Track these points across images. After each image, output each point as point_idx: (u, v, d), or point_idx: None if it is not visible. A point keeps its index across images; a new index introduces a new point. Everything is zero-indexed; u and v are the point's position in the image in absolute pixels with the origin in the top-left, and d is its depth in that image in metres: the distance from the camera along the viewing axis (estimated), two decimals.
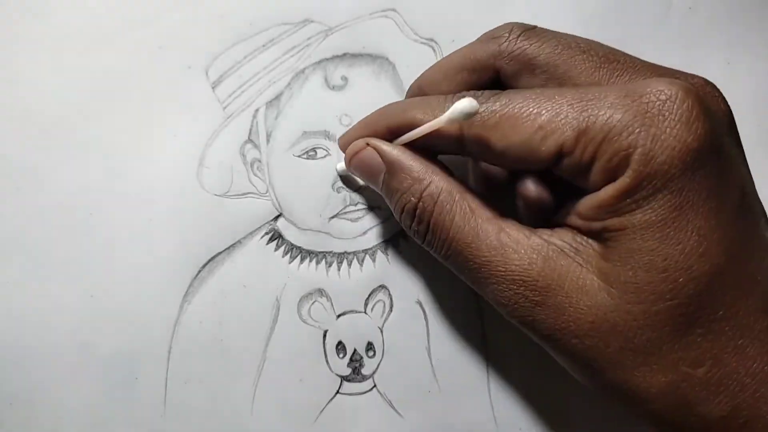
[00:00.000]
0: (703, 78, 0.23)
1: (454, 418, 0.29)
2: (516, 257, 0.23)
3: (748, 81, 0.32)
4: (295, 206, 0.30)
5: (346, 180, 0.30)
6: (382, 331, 0.30)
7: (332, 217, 0.30)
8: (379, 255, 0.30)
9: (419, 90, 0.28)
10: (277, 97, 0.30)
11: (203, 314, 0.29)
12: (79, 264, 0.29)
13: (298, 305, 0.30)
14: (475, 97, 0.23)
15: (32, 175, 0.29)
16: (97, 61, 0.29)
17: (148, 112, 0.30)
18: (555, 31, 0.25)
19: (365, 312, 0.30)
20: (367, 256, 0.30)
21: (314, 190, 0.30)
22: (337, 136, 0.30)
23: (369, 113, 0.27)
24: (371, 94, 0.30)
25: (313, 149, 0.30)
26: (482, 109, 0.22)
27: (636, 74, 0.23)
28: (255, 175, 0.30)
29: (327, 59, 0.31)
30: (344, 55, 0.31)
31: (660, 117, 0.20)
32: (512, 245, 0.23)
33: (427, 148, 0.25)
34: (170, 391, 0.28)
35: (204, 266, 0.29)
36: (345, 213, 0.30)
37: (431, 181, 0.24)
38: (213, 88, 0.30)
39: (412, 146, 0.25)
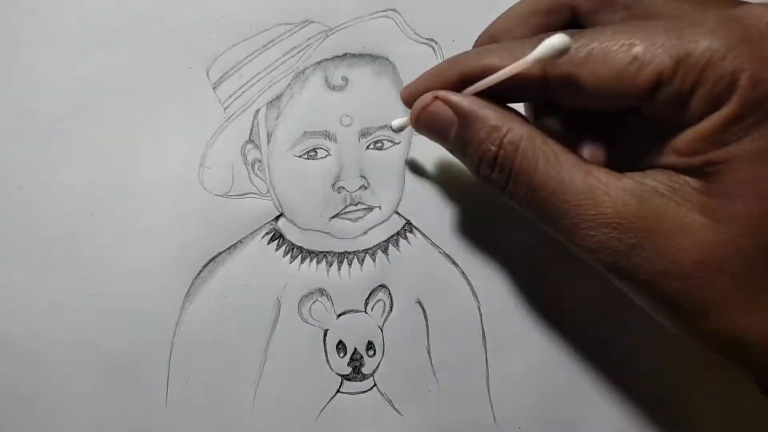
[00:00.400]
0: None
1: (453, 416, 0.30)
2: (608, 199, 0.21)
3: None
4: (296, 206, 0.30)
5: (364, 133, 0.30)
6: (382, 331, 0.30)
7: (333, 217, 0.30)
8: (380, 255, 0.30)
9: (490, 39, 0.26)
10: (278, 98, 0.30)
11: (204, 313, 0.29)
12: (81, 264, 0.29)
13: (299, 305, 0.30)
14: (558, 34, 0.21)
15: (33, 175, 0.29)
16: (98, 62, 0.30)
17: (149, 112, 0.30)
18: None
19: (365, 311, 0.30)
20: (368, 256, 0.30)
21: (315, 190, 0.30)
22: (338, 137, 0.30)
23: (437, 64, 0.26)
24: (372, 95, 0.31)
25: (314, 149, 0.30)
26: (569, 43, 0.20)
27: (724, 5, 0.22)
28: (256, 175, 0.30)
29: (327, 59, 0.31)
30: (345, 55, 0.31)
31: (765, 39, 0.19)
32: (602, 188, 0.21)
33: (501, 97, 0.24)
34: (171, 389, 0.29)
35: (205, 266, 0.29)
36: (345, 213, 0.30)
37: (510, 128, 0.23)
38: (214, 88, 0.30)
39: (483, 96, 0.24)
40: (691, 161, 0.21)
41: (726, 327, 0.20)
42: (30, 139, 0.29)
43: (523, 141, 0.22)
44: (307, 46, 0.31)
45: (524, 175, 0.23)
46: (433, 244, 0.30)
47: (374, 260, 0.30)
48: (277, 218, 0.30)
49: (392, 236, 0.30)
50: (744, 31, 0.19)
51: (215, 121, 0.30)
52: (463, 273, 0.30)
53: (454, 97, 0.24)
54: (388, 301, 0.30)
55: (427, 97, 0.24)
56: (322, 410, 0.29)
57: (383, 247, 0.30)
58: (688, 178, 0.21)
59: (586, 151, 0.24)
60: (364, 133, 0.30)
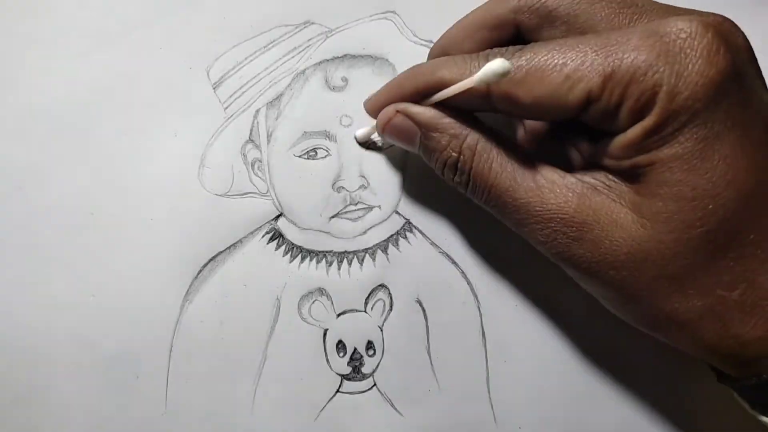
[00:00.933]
0: (720, 15, 0.23)
1: (453, 416, 0.29)
2: (552, 196, 0.24)
3: None
4: (296, 206, 0.30)
5: (365, 145, 0.30)
6: (382, 330, 0.30)
7: (332, 217, 0.30)
8: (379, 254, 0.30)
9: (441, 51, 0.28)
10: (278, 98, 0.30)
11: (204, 313, 0.29)
12: (81, 263, 0.29)
13: (299, 304, 0.30)
14: (501, 55, 0.23)
15: (34, 175, 0.29)
16: (99, 62, 0.30)
17: (149, 112, 0.30)
18: None
19: (365, 311, 0.30)
20: (368, 256, 0.30)
21: (315, 189, 0.30)
22: (338, 137, 0.30)
23: (394, 76, 0.28)
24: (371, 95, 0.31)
25: (314, 149, 0.30)
26: (510, 64, 0.23)
27: (654, 16, 0.24)
28: (256, 175, 0.30)
29: (327, 60, 0.31)
30: (344, 56, 0.31)
31: (682, 54, 0.21)
32: (548, 186, 0.24)
33: (457, 107, 0.26)
34: (171, 389, 0.29)
35: (205, 266, 0.29)
36: (345, 212, 0.30)
37: (467, 134, 0.25)
38: (214, 88, 0.30)
39: (442, 106, 0.26)
40: (620, 164, 0.23)
41: (659, 312, 0.23)
42: (30, 139, 0.29)
43: (479, 145, 0.25)
44: (308, 46, 0.31)
45: (480, 176, 0.25)
46: (432, 243, 0.30)
47: (374, 260, 0.30)
48: (276, 218, 0.30)
49: (392, 236, 0.30)
50: (663, 46, 0.21)
51: (215, 121, 0.30)
52: (462, 272, 0.30)
53: (415, 110, 0.26)
54: (387, 301, 0.30)
55: (390, 110, 0.27)
56: (321, 410, 0.29)
57: (383, 246, 0.30)
58: (621, 179, 0.23)
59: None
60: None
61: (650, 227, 0.22)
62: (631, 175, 0.23)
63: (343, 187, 0.30)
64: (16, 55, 0.29)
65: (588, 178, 0.24)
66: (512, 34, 0.26)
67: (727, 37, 0.22)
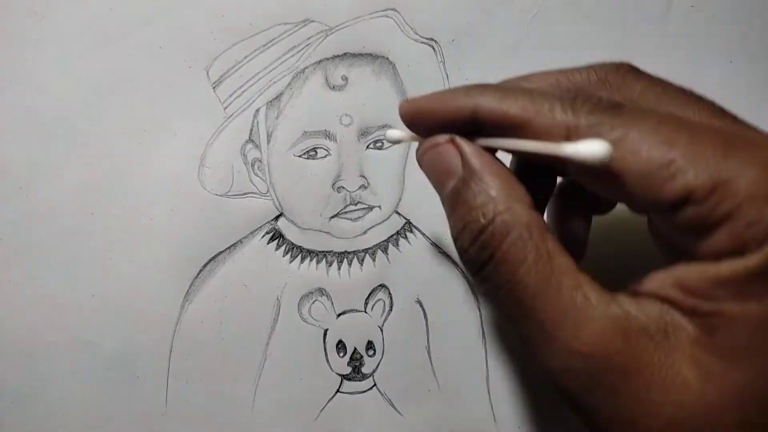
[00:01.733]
0: None
1: (453, 416, 0.30)
2: (590, 325, 0.18)
3: (749, 80, 0.32)
4: (296, 206, 0.30)
5: (364, 132, 0.29)
6: (382, 330, 0.30)
7: (333, 217, 0.30)
8: (379, 254, 0.30)
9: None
10: (278, 97, 0.30)
11: (204, 313, 0.29)
12: (81, 263, 0.29)
13: (299, 304, 0.30)
14: (596, 105, 0.19)
15: (34, 175, 0.29)
16: (98, 62, 0.29)
17: (149, 112, 0.30)
18: (662, 79, 0.22)
19: (365, 311, 0.30)
20: (368, 256, 0.30)
21: (315, 189, 0.30)
22: (338, 136, 0.30)
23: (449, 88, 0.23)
24: (371, 94, 0.30)
25: (314, 149, 0.30)
26: (603, 121, 0.18)
27: (759, 131, 0.19)
28: (256, 174, 0.30)
29: (327, 59, 0.31)
30: (344, 54, 0.31)
31: None
32: (589, 310, 0.18)
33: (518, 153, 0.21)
34: (171, 389, 0.29)
35: (205, 266, 0.29)
36: (345, 212, 0.30)
37: (510, 206, 0.19)
38: (214, 88, 0.30)
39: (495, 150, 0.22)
40: (697, 305, 0.17)
41: None
42: (30, 139, 0.29)
43: (518, 227, 0.19)
44: (307, 45, 0.31)
45: (507, 264, 0.19)
46: (433, 243, 0.30)
47: (374, 260, 0.30)
48: (276, 218, 0.30)
49: (392, 236, 0.30)
50: None
51: (215, 120, 0.30)
52: (463, 272, 0.30)
53: (468, 149, 0.21)
54: (387, 301, 0.30)
55: (443, 137, 0.21)
56: (321, 410, 0.29)
57: (383, 246, 0.30)
58: (686, 323, 0.18)
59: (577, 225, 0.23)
60: (363, 133, 0.30)
61: (713, 396, 0.17)
62: (703, 323, 0.17)
63: (343, 187, 0.30)
64: (16, 55, 0.29)
65: (640, 312, 0.18)
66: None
67: None
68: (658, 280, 0.18)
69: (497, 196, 0.20)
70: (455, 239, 0.21)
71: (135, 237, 0.29)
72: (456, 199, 0.21)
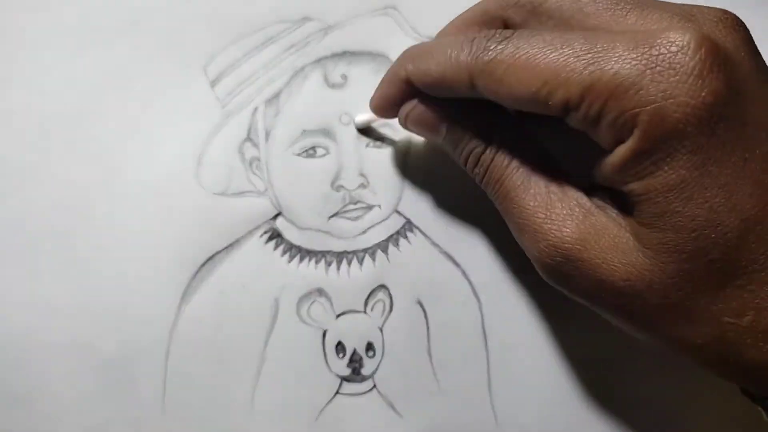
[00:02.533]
0: (720, 10, 0.22)
1: (454, 418, 0.29)
2: (558, 206, 0.23)
3: None
4: (295, 205, 0.30)
5: (364, 131, 0.30)
6: (381, 331, 0.30)
7: (332, 216, 0.30)
8: (379, 254, 0.30)
9: None
10: (277, 96, 0.30)
11: (202, 314, 0.29)
12: (78, 264, 0.29)
13: (298, 305, 0.29)
14: (487, 37, 0.22)
15: (31, 174, 0.29)
16: (95, 60, 0.29)
17: (146, 110, 0.29)
18: None
19: (365, 312, 0.30)
20: (367, 256, 0.30)
21: (314, 188, 0.30)
22: (337, 135, 0.30)
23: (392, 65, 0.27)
24: (371, 93, 0.30)
25: (313, 148, 0.30)
26: (491, 56, 0.22)
27: (650, 15, 0.22)
28: (254, 173, 0.30)
29: (326, 57, 0.30)
30: (344, 53, 0.31)
31: (671, 71, 0.19)
32: (557, 195, 0.23)
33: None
34: (169, 391, 0.28)
35: (203, 265, 0.29)
36: (345, 212, 0.30)
37: (495, 130, 0.25)
38: (212, 86, 0.30)
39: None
40: (617, 188, 0.22)
41: (665, 337, 0.22)
42: (26, 138, 0.29)
43: (502, 142, 0.25)
44: (306, 43, 0.30)
45: (496, 170, 0.25)
46: (433, 243, 0.30)
47: (374, 260, 0.30)
48: (275, 217, 0.30)
49: (392, 235, 0.30)
50: (651, 60, 0.19)
51: (213, 119, 0.30)
52: (464, 273, 0.30)
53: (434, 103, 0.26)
54: (387, 302, 0.30)
55: (412, 102, 0.26)
56: (321, 412, 0.29)
57: (383, 246, 0.30)
58: (622, 202, 0.22)
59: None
60: (363, 132, 0.30)
61: (651, 256, 0.21)
62: (629, 201, 0.22)
63: (342, 186, 0.30)
64: (14, 55, 0.29)
65: (596, 197, 0.23)
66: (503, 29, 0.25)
67: (725, 43, 0.20)
68: (599, 176, 0.23)
69: (482, 125, 0.25)
70: (464, 166, 0.26)
71: (132, 236, 0.29)
72: (453, 140, 0.26)
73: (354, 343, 0.29)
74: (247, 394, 0.29)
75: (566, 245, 0.22)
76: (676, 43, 0.19)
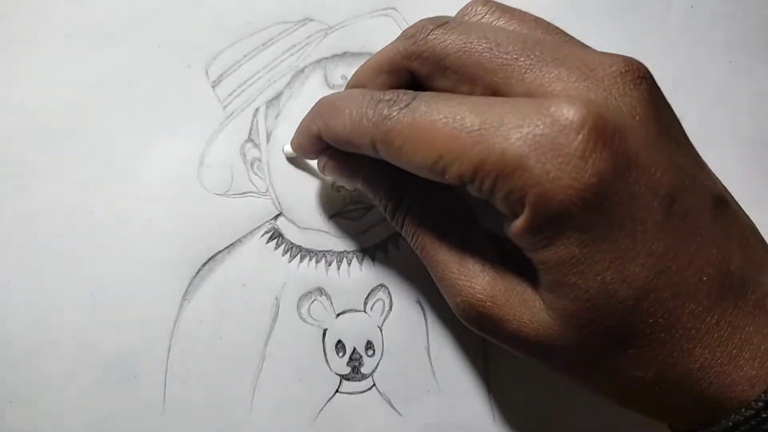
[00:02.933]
0: (623, 61, 0.21)
1: (453, 417, 0.29)
2: (471, 262, 0.24)
3: (749, 80, 0.32)
4: (295, 205, 0.30)
5: (293, 161, 0.30)
6: (381, 330, 0.30)
7: (332, 216, 0.30)
8: (379, 254, 0.30)
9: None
10: (278, 97, 0.30)
11: (203, 313, 0.29)
12: (79, 263, 0.29)
13: (298, 304, 0.30)
14: (388, 104, 0.22)
15: (32, 174, 0.29)
16: (97, 61, 0.29)
17: (147, 111, 0.30)
18: (469, 24, 0.23)
19: (365, 311, 0.30)
20: (367, 255, 0.30)
21: (314, 189, 0.30)
22: None
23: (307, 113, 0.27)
24: None
25: None
26: (390, 125, 0.22)
27: (547, 71, 0.21)
28: (255, 174, 0.30)
29: (327, 58, 0.31)
30: (344, 53, 0.31)
31: (555, 152, 0.19)
32: (470, 251, 0.24)
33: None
34: (169, 389, 0.28)
35: (204, 265, 0.29)
36: (345, 212, 0.30)
37: (407, 185, 0.25)
38: (213, 87, 0.30)
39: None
40: (522, 252, 0.22)
41: (583, 384, 0.23)
42: (28, 138, 0.29)
43: (414, 197, 0.25)
44: (307, 44, 0.31)
45: (411, 224, 0.25)
46: None
47: (374, 259, 0.30)
48: (276, 217, 0.30)
49: (392, 235, 0.30)
50: (536, 138, 0.19)
51: (214, 119, 0.30)
52: None
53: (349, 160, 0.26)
54: (387, 301, 0.30)
55: (323, 160, 0.27)
56: (320, 410, 0.29)
57: (383, 246, 0.30)
58: (529, 263, 0.22)
59: None
60: None
61: (554, 317, 0.21)
62: (532, 264, 0.22)
63: (342, 186, 0.30)
64: (15, 55, 0.29)
65: (511, 247, 0.23)
66: (410, 80, 0.25)
67: (614, 123, 0.19)
68: (506, 232, 0.22)
69: (395, 181, 0.26)
70: (384, 212, 0.27)
71: (133, 236, 0.29)
72: (370, 191, 0.27)
73: (354, 342, 0.30)
74: (248, 392, 0.29)
75: (478, 301, 0.23)
76: (561, 121, 0.19)
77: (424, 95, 0.22)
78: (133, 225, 0.29)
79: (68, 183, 0.29)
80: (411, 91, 0.23)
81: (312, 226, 0.30)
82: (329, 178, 0.30)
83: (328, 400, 0.29)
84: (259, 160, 0.30)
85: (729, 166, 0.31)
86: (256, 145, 0.30)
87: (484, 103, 0.21)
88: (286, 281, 0.30)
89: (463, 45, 0.22)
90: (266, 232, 0.30)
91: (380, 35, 0.31)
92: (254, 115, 0.30)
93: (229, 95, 0.30)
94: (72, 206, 0.29)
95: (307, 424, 0.29)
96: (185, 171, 0.29)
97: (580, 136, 0.19)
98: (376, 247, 0.30)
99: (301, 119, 0.28)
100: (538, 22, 0.24)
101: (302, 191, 0.30)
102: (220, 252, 0.29)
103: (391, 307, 0.30)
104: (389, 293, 0.30)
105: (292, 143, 0.29)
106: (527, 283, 0.23)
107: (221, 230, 0.29)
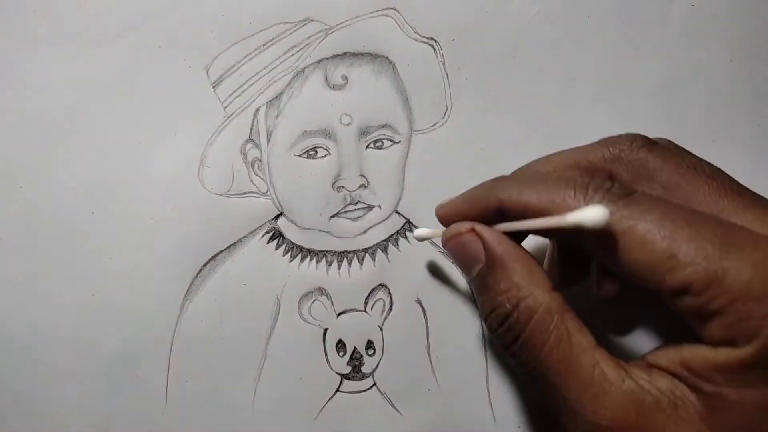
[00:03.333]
0: None
1: (453, 416, 0.30)
2: (608, 401, 0.20)
3: (749, 80, 0.32)
4: (296, 205, 0.30)
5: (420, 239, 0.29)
6: (381, 330, 0.30)
7: (332, 216, 0.30)
8: (379, 254, 0.30)
9: (525, 177, 0.25)
10: (278, 97, 0.30)
11: (204, 312, 0.29)
12: (82, 263, 0.29)
13: (299, 304, 0.30)
14: (605, 196, 0.20)
15: (34, 174, 0.29)
16: (98, 61, 0.29)
17: (149, 112, 0.30)
18: (679, 148, 0.23)
19: (365, 310, 0.30)
20: (367, 255, 0.30)
21: (314, 189, 0.30)
22: (338, 136, 0.30)
23: (476, 185, 0.25)
24: (371, 94, 0.30)
25: (314, 149, 0.30)
26: (612, 211, 0.20)
27: (761, 215, 0.21)
28: (256, 174, 0.30)
29: (327, 58, 0.31)
30: (344, 54, 0.31)
31: None
32: (606, 386, 0.20)
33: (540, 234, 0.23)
34: (171, 388, 0.29)
35: (205, 265, 0.29)
36: (345, 212, 0.30)
37: (531, 292, 0.22)
38: (213, 87, 0.30)
39: (520, 238, 0.24)
40: (700, 385, 0.20)
41: None
42: (29, 139, 0.29)
43: (540, 311, 0.22)
44: (307, 44, 0.31)
45: (532, 346, 0.22)
46: (432, 243, 0.30)
47: (374, 259, 0.30)
48: (276, 217, 0.30)
49: (392, 235, 0.30)
50: None
51: (215, 120, 0.30)
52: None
53: (489, 236, 0.23)
54: (387, 301, 0.30)
55: (463, 226, 0.24)
56: (321, 409, 0.29)
57: (383, 246, 0.30)
58: (693, 398, 0.20)
59: (607, 285, 0.24)
60: (363, 132, 0.30)
61: None
62: (706, 399, 0.19)
63: (343, 187, 0.30)
64: (16, 55, 0.29)
65: (652, 386, 0.20)
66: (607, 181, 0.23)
67: None
68: (669, 356, 0.20)
69: (519, 282, 0.22)
70: (484, 320, 0.24)
71: (135, 236, 0.29)
72: (482, 284, 0.23)
73: (354, 342, 0.30)
74: (249, 391, 0.29)
75: None
76: None
77: (645, 193, 0.21)
78: (135, 225, 0.29)
79: (70, 183, 0.29)
80: (627, 186, 0.21)
81: (312, 226, 0.30)
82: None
83: (329, 399, 0.29)
84: (260, 161, 0.30)
85: (729, 166, 0.31)
86: (257, 146, 0.30)
87: (729, 224, 0.20)
88: (287, 281, 0.30)
89: (678, 167, 0.22)
90: (267, 233, 0.30)
91: (380, 35, 0.31)
92: (255, 116, 0.30)
93: (230, 95, 0.30)
94: (74, 206, 0.29)
95: (308, 423, 0.29)
96: (186, 171, 0.30)
97: None
98: (377, 247, 0.30)
99: (301, 120, 0.28)
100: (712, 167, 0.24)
101: (303, 191, 0.30)
102: (221, 252, 0.29)
103: (391, 306, 0.30)
104: (389, 293, 0.30)
105: (443, 208, 0.26)
106: (677, 423, 0.20)
107: (222, 230, 0.30)
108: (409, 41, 0.31)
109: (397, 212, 0.30)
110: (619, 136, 0.24)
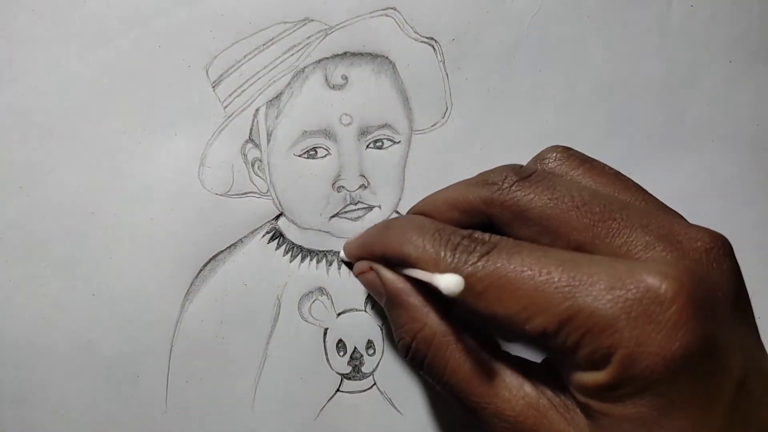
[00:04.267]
0: (710, 236, 0.22)
1: (453, 415, 0.30)
2: (508, 407, 0.23)
3: (749, 80, 0.32)
4: (296, 205, 0.30)
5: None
6: (382, 330, 0.30)
7: (333, 216, 0.30)
8: None
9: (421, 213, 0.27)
10: (278, 97, 0.30)
11: (204, 313, 0.29)
12: (81, 263, 0.29)
13: (299, 304, 0.30)
14: (468, 250, 0.22)
15: (33, 174, 0.29)
16: (97, 61, 0.29)
17: (148, 111, 0.30)
18: (554, 178, 0.24)
19: (365, 310, 0.30)
20: None
21: (315, 189, 0.30)
22: (338, 136, 0.30)
23: (374, 225, 0.28)
24: (371, 93, 0.30)
25: (314, 149, 0.30)
26: (471, 271, 0.22)
27: (635, 237, 0.22)
28: (256, 174, 0.30)
29: (327, 58, 0.31)
30: (344, 54, 0.31)
31: (647, 318, 0.19)
32: (506, 393, 0.23)
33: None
34: (171, 389, 0.29)
35: (205, 265, 0.29)
36: (345, 212, 0.30)
37: (425, 323, 0.24)
38: (213, 87, 0.30)
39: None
40: (578, 397, 0.22)
41: None
42: (29, 139, 0.29)
43: (436, 339, 0.24)
44: (307, 44, 0.30)
45: (435, 368, 0.24)
46: None
47: None
48: (277, 217, 0.30)
49: None
50: (627, 304, 0.20)
51: (215, 120, 0.30)
52: None
53: (386, 275, 0.25)
54: None
55: (364, 265, 0.26)
56: (321, 409, 0.29)
57: None
58: (578, 407, 0.22)
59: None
60: (363, 132, 0.30)
61: None
62: (586, 411, 0.22)
63: (343, 187, 0.30)
64: (17, 55, 0.29)
65: (548, 392, 0.23)
66: (486, 221, 0.25)
67: (702, 299, 0.20)
68: (562, 374, 0.22)
69: (414, 315, 0.24)
70: (398, 349, 0.26)
71: (135, 237, 0.29)
72: (389, 317, 0.26)
73: (354, 341, 0.30)
74: (249, 391, 0.29)
75: (521, 428, 0.23)
76: (654, 290, 0.19)
77: (505, 243, 0.22)
78: (134, 226, 0.29)
79: (68, 183, 0.29)
80: (489, 235, 0.23)
81: (313, 226, 0.30)
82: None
83: (329, 399, 0.29)
84: (260, 161, 0.30)
85: (729, 166, 0.31)
86: (257, 146, 0.30)
87: (570, 259, 0.21)
88: (287, 281, 0.30)
89: (548, 201, 0.23)
90: (267, 233, 0.30)
91: (380, 35, 0.31)
92: (255, 116, 0.30)
93: (230, 95, 0.30)
94: (73, 206, 0.29)
95: (309, 423, 0.29)
96: (186, 171, 0.30)
97: (674, 308, 0.19)
98: None
99: (301, 120, 0.28)
100: (618, 177, 0.24)
101: (303, 191, 0.30)
102: (221, 252, 0.29)
103: None
104: None
105: (348, 249, 0.29)
106: (567, 423, 0.22)
107: (222, 231, 0.30)
108: (409, 41, 0.31)
109: (397, 212, 0.31)
110: (493, 171, 0.25)
